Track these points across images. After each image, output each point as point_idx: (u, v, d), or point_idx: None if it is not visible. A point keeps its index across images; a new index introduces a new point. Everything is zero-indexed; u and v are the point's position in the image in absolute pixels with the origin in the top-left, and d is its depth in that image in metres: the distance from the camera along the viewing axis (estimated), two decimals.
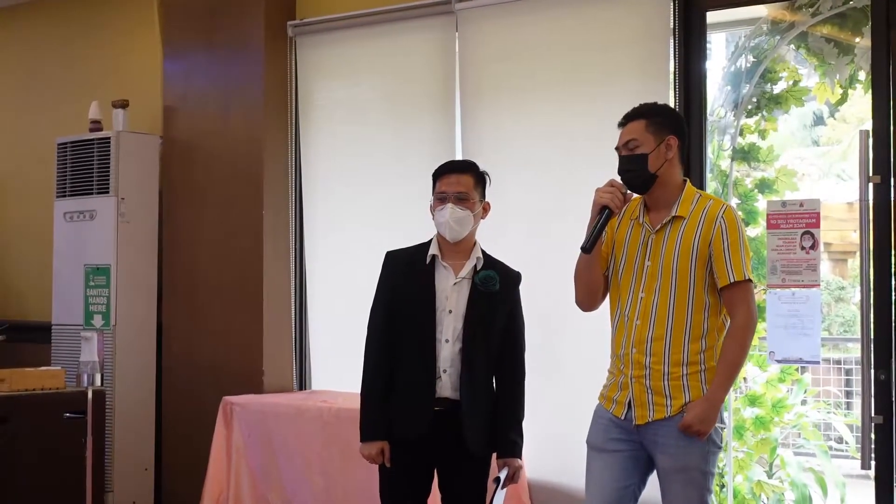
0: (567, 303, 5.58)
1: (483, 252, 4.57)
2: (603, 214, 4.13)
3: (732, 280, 4.02)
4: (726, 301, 4.08)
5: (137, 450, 7.05)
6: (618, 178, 4.20)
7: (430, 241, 4.59)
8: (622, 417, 4.13)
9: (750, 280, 4.05)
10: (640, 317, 4.11)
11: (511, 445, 4.54)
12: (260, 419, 6.26)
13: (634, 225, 4.22)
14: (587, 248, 4.15)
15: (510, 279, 4.59)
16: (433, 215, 4.56)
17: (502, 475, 4.50)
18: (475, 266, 4.51)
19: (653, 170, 4.10)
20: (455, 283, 4.49)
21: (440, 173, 4.59)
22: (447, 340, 4.44)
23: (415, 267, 4.53)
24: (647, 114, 4.19)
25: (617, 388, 4.18)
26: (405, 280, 4.53)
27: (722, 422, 4.16)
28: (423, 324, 4.44)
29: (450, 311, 4.45)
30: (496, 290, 4.48)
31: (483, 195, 4.59)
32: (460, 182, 4.52)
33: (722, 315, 4.10)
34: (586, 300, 4.37)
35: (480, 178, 4.58)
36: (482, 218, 4.60)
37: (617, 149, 4.20)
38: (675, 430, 4.01)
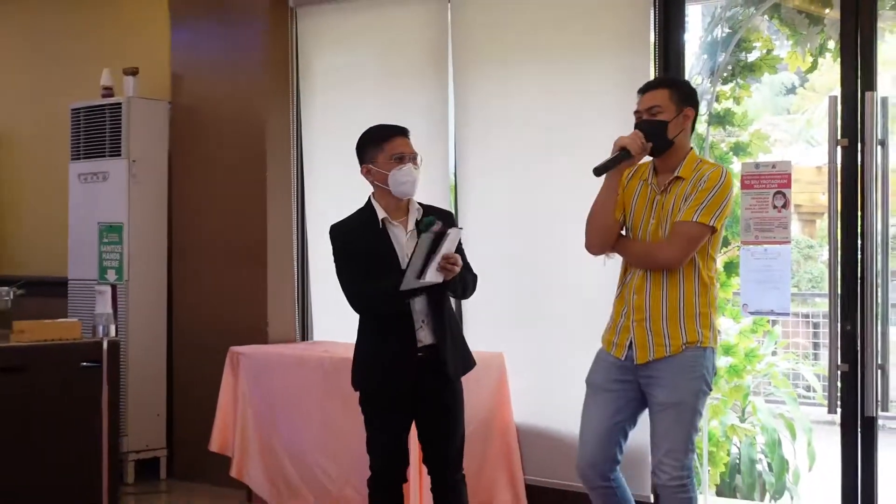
0: (552, 258, 5.76)
1: (418, 203, 4.64)
2: (621, 152, 4.25)
3: (679, 219, 4.24)
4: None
5: (150, 397, 7.22)
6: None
7: (367, 207, 4.60)
8: (622, 358, 4.36)
9: (700, 223, 4.20)
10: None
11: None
12: (264, 368, 6.33)
13: (643, 185, 4.42)
14: (597, 172, 4.26)
15: (445, 217, 4.56)
16: (376, 177, 4.54)
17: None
18: (416, 217, 4.55)
19: (671, 136, 4.29)
20: (408, 238, 4.52)
21: (389, 135, 4.56)
22: None
23: (368, 232, 4.53)
24: (672, 84, 4.40)
25: (616, 331, 4.40)
26: (364, 246, 4.52)
27: (713, 369, 4.37)
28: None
29: None
30: None
31: None
32: (411, 145, 4.56)
33: (713, 269, 4.34)
34: (597, 242, 4.44)
35: None
36: None
37: (637, 112, 4.36)
38: (674, 368, 4.25)
